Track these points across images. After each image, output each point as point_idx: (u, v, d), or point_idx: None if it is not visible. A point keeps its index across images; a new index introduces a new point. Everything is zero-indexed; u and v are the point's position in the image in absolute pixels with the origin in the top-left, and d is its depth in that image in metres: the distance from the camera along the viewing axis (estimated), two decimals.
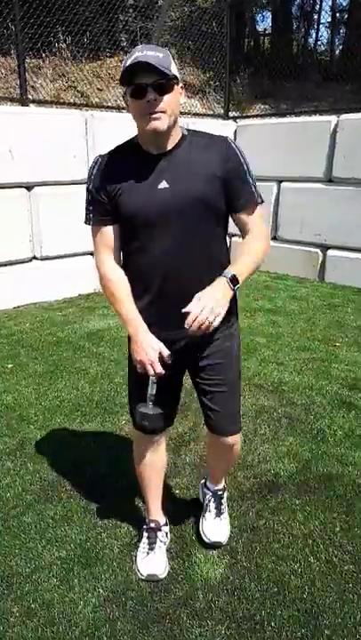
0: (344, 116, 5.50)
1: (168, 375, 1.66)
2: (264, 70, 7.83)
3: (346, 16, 10.78)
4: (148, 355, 1.59)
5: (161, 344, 1.61)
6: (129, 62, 1.43)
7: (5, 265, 4.83)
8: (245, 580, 1.83)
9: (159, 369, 1.59)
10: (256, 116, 7.26)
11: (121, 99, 6.42)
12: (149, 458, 1.88)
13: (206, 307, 1.46)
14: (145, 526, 1.98)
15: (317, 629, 1.65)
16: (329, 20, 11.07)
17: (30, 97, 5.22)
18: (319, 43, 11.19)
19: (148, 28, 7.55)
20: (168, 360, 1.61)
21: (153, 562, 1.87)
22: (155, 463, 1.90)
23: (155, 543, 1.92)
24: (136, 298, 1.65)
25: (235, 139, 6.45)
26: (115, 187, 1.57)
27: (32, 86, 5.57)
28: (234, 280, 1.54)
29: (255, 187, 1.64)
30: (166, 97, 1.46)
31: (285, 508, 2.18)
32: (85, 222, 1.68)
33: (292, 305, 4.99)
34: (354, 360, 3.68)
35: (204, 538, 1.99)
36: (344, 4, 11.17)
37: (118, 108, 6.01)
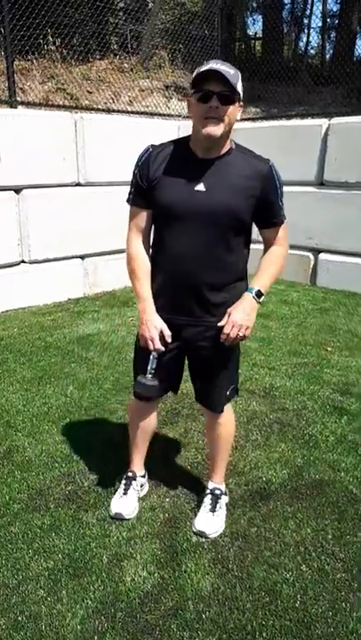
0: (335, 120, 5.52)
1: (169, 353, 1.88)
2: (255, 74, 7.84)
3: (336, 21, 10.86)
4: (150, 331, 1.80)
5: (164, 325, 1.81)
6: (203, 69, 1.60)
7: None
8: (237, 590, 1.80)
9: (158, 345, 1.80)
10: (247, 119, 7.27)
11: (110, 101, 6.41)
12: (141, 420, 2.13)
13: (236, 323, 1.73)
14: (124, 474, 2.22)
15: (310, 639, 1.63)
16: (320, 24, 11.15)
17: (19, 99, 5.18)
18: (310, 47, 11.28)
19: (139, 31, 7.54)
20: (168, 340, 1.82)
21: (123, 503, 2.13)
22: (145, 425, 2.15)
23: (129, 489, 2.17)
24: (153, 279, 1.85)
25: None
26: (157, 177, 1.74)
27: (21, 88, 5.54)
28: (259, 294, 1.79)
29: (283, 206, 1.84)
30: (228, 107, 1.62)
31: (277, 516, 2.16)
32: (127, 201, 1.87)
33: (284, 309, 4.98)
34: (346, 365, 3.67)
35: (192, 527, 2.07)
36: (335, 9, 11.27)
37: (108, 111, 5.99)
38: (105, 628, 1.66)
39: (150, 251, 1.89)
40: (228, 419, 2.08)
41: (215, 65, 1.59)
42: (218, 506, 2.12)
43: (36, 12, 5.50)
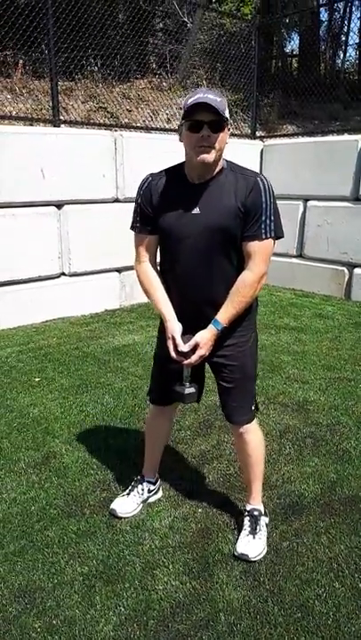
0: None
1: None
2: (292, 91, 7.89)
3: None
4: (167, 341, 1.90)
5: (176, 332, 1.88)
6: (191, 101, 1.69)
7: (35, 280, 4.93)
8: (268, 604, 1.80)
9: (172, 354, 1.89)
10: (283, 135, 7.31)
11: (149, 119, 6.56)
12: (157, 426, 2.28)
13: (198, 353, 1.85)
14: (135, 477, 2.34)
15: None
16: (357, 41, 11.12)
17: (62, 118, 5.37)
18: (347, 63, 11.25)
19: (178, 51, 7.71)
20: (180, 348, 1.87)
21: (121, 502, 2.24)
22: (160, 431, 2.29)
23: (133, 490, 2.28)
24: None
25: (261, 158, 6.49)
26: (158, 205, 1.87)
27: (64, 107, 5.74)
28: (223, 329, 1.86)
29: (271, 223, 1.80)
30: (218, 134, 1.72)
31: (310, 531, 2.15)
32: (131, 228, 1.99)
33: (318, 323, 4.95)
34: None
35: (234, 551, 2.04)
36: None
37: (146, 129, 6.13)
38: (137, 635, 1.68)
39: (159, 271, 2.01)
40: (253, 438, 2.07)
41: (203, 95, 1.68)
42: (258, 527, 2.08)
43: (80, 35, 5.72)
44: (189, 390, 1.93)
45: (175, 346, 1.88)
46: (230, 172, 1.83)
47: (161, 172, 1.92)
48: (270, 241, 1.82)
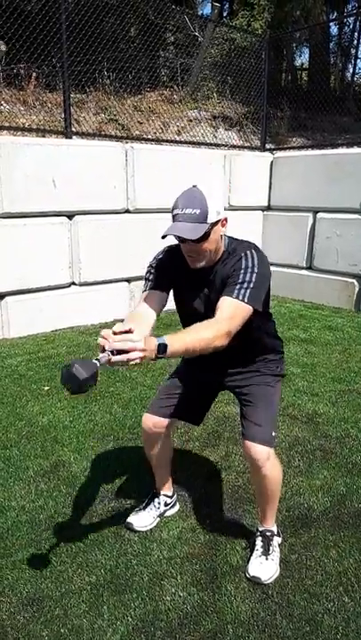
0: None
1: (193, 387, 2.11)
2: (301, 103, 7.94)
3: None
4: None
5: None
6: (167, 230, 1.70)
7: (45, 290, 4.97)
8: (277, 617, 1.79)
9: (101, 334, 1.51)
10: (292, 147, 7.35)
11: (160, 131, 6.62)
12: (153, 446, 2.19)
13: (126, 346, 1.44)
14: (152, 492, 2.34)
15: None
16: None
17: (74, 129, 5.44)
18: (357, 76, 11.32)
19: (189, 64, 7.80)
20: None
21: (137, 515, 2.24)
22: (157, 451, 2.20)
23: (148, 505, 2.28)
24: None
25: (271, 170, 6.52)
26: (174, 277, 1.94)
27: (76, 120, 5.82)
28: (161, 346, 1.49)
29: (248, 290, 1.71)
30: (203, 244, 1.74)
31: (319, 544, 2.13)
32: (143, 292, 1.95)
33: (328, 335, 4.93)
34: None
35: (245, 573, 1.98)
36: None
37: (157, 141, 6.19)
38: None
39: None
40: (272, 470, 1.93)
41: (180, 211, 1.69)
42: (271, 548, 2.02)
43: (92, 48, 5.81)
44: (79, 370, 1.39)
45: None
46: (229, 254, 1.85)
47: (178, 246, 1.88)
48: (243, 305, 1.69)
